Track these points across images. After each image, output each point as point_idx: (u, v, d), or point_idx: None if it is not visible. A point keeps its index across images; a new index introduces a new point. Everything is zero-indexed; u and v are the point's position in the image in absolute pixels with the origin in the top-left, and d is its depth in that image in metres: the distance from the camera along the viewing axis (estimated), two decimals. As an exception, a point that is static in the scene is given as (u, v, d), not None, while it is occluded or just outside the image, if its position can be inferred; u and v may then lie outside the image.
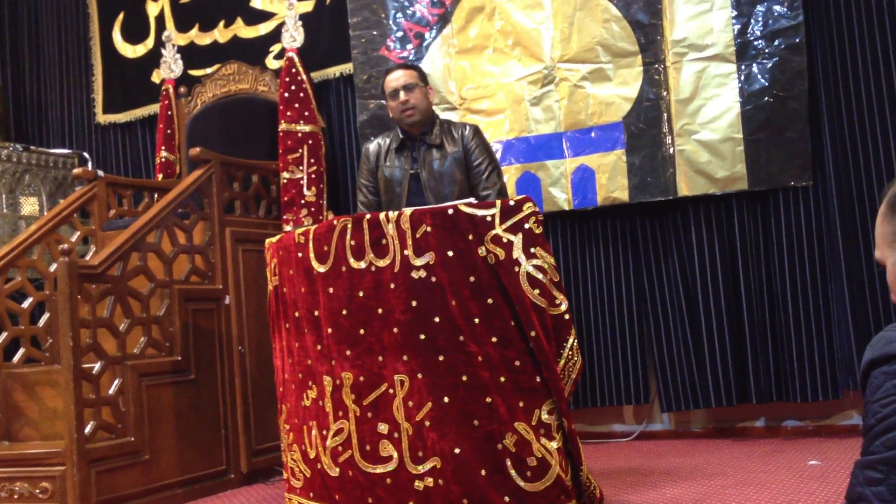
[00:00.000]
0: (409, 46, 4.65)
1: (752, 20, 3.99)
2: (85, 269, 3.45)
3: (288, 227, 4.39)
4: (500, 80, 4.46)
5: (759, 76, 3.97)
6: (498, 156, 4.23)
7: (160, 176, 5.03)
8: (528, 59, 4.40)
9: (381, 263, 2.82)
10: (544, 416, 2.73)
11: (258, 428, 4.13)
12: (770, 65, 3.96)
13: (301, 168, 4.55)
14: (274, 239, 3.28)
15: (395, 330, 2.79)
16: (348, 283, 2.88)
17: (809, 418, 4.11)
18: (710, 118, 4.04)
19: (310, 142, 4.60)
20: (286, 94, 4.64)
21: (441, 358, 2.74)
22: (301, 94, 4.65)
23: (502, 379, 2.72)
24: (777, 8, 3.95)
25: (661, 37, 4.14)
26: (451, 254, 2.75)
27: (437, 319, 2.75)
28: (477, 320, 2.73)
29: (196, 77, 5.24)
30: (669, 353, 4.19)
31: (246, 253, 4.22)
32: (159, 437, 3.67)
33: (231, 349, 4.08)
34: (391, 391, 2.80)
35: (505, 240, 2.74)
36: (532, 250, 2.75)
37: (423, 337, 2.76)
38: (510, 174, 4.36)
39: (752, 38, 3.99)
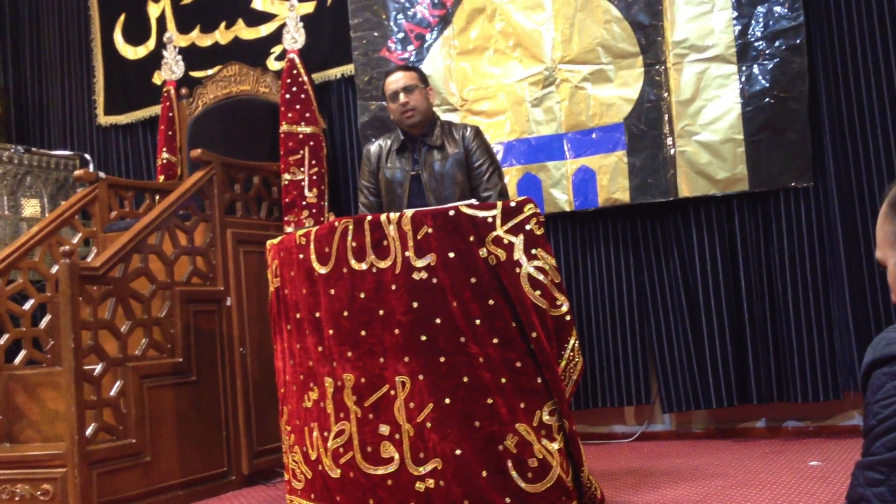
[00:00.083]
0: (410, 48, 4.65)
1: (753, 21, 3.99)
2: (86, 271, 3.45)
3: (289, 229, 4.39)
4: (500, 81, 4.46)
5: (760, 77, 3.97)
6: (499, 157, 4.24)
7: (161, 177, 5.03)
8: (528, 60, 4.40)
9: (383, 265, 2.83)
10: (545, 418, 2.73)
11: (259, 429, 4.13)
12: (771, 66, 3.96)
13: (302, 169, 4.55)
14: (275, 240, 3.29)
15: (397, 331, 2.79)
16: (349, 284, 2.88)
17: (810, 419, 4.11)
18: (711, 119, 4.04)
19: (311, 143, 4.61)
20: (287, 96, 4.65)
21: (442, 359, 2.74)
22: (302, 96, 4.65)
23: (503, 380, 2.72)
24: (778, 9, 3.95)
25: (662, 38, 4.14)
26: (452, 255, 2.75)
27: (438, 321, 2.75)
28: (478, 321, 2.73)
29: (197, 78, 5.24)
30: (670, 354, 4.19)
31: (247, 254, 4.22)
32: (160, 438, 3.67)
33: (232, 351, 4.09)
34: (392, 392, 2.80)
35: (506, 241, 2.74)
36: (533, 251, 2.75)
37: (424, 338, 2.76)
38: (511, 175, 4.37)
39: (752, 40, 3.99)
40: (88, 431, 3.35)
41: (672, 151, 4.10)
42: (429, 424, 2.74)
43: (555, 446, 2.72)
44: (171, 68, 5.22)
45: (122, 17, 5.71)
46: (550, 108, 4.34)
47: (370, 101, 4.72)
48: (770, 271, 4.05)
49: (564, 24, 4.31)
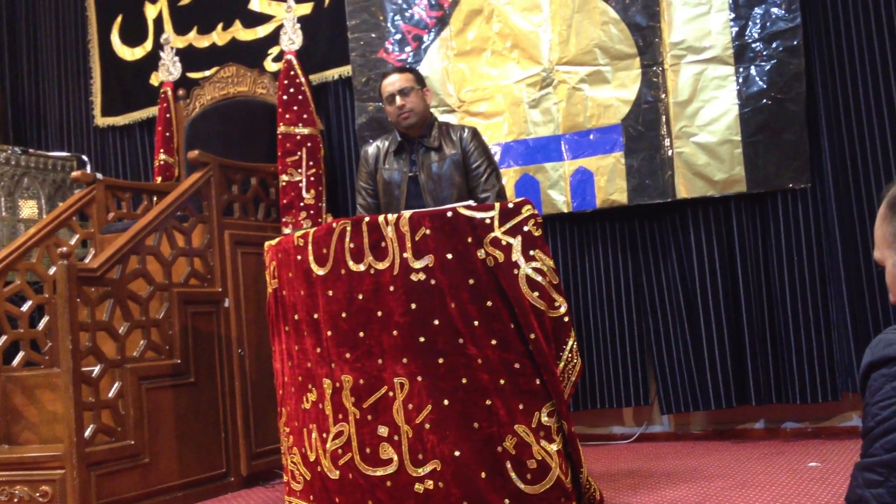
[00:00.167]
0: (408, 49, 4.65)
1: (750, 22, 4.00)
2: (84, 272, 3.45)
3: (287, 230, 4.39)
4: (498, 82, 4.46)
5: (757, 78, 3.98)
6: (497, 158, 4.23)
7: (159, 179, 5.03)
8: (526, 61, 4.40)
9: (381, 266, 2.83)
10: (544, 419, 2.73)
11: (258, 431, 4.13)
12: (768, 67, 3.96)
13: (300, 171, 4.55)
14: (273, 241, 3.29)
15: (395, 332, 2.79)
16: (347, 285, 2.88)
17: (809, 420, 4.12)
18: (709, 120, 4.05)
19: (308, 144, 4.60)
20: (285, 97, 4.64)
21: (440, 360, 2.74)
22: (300, 97, 4.65)
23: (502, 381, 2.72)
24: (775, 10, 3.96)
25: (660, 39, 4.14)
26: (450, 256, 2.75)
27: (436, 322, 2.75)
28: (476, 323, 2.73)
29: (194, 80, 5.24)
30: (669, 355, 4.19)
31: (245, 256, 4.22)
32: (159, 440, 3.67)
33: (230, 352, 4.08)
34: (391, 394, 2.80)
35: (504, 242, 2.75)
36: (531, 253, 2.76)
37: (422, 339, 2.76)
38: (509, 177, 4.37)
39: (749, 41, 4.00)
40: (87, 433, 3.35)
41: (670, 153, 4.10)
42: (427, 426, 2.74)
43: (554, 447, 2.72)
44: (169, 69, 5.21)
45: (119, 19, 5.70)
46: (548, 110, 4.35)
47: (368, 103, 4.72)
48: (768, 272, 4.05)
49: (562, 25, 4.31)
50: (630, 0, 4.19)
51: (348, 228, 2.90)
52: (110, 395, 3.51)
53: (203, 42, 5.38)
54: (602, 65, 4.24)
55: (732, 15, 4.03)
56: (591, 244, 4.37)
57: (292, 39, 4.74)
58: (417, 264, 2.78)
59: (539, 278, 2.75)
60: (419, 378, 2.76)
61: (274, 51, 5.09)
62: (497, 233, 2.75)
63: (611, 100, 4.22)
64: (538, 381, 2.74)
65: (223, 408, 4.02)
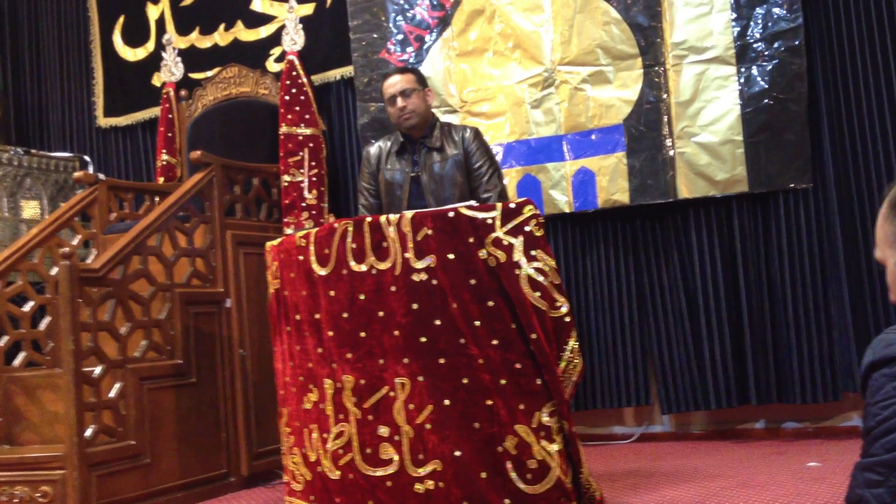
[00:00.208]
0: (410, 49, 4.65)
1: (752, 23, 4.00)
2: (86, 273, 3.45)
3: (289, 230, 4.39)
4: (500, 82, 4.47)
5: (759, 78, 3.98)
6: (498, 158, 4.24)
7: (161, 179, 5.03)
8: (528, 61, 4.40)
9: (382, 266, 2.83)
10: (545, 419, 2.73)
11: (259, 431, 4.13)
12: (770, 67, 3.96)
13: (302, 171, 4.55)
14: (275, 242, 3.28)
15: (396, 333, 2.79)
16: (349, 285, 2.88)
17: (809, 420, 4.11)
18: (710, 120, 4.05)
19: (310, 145, 4.61)
20: (287, 97, 4.65)
21: (442, 361, 2.74)
22: (302, 97, 4.65)
23: (503, 381, 2.72)
24: (776, 10, 3.95)
25: (661, 39, 4.14)
26: (451, 256, 2.75)
27: (437, 322, 2.75)
28: (478, 323, 2.73)
29: (197, 80, 5.25)
30: (670, 356, 4.19)
31: (247, 256, 4.22)
32: (160, 440, 3.67)
33: (232, 352, 4.08)
34: (392, 394, 2.80)
35: (506, 242, 2.75)
36: (533, 253, 2.76)
37: (423, 340, 2.76)
38: (511, 177, 4.37)
39: (751, 41, 4.00)
40: (88, 433, 3.35)
41: (671, 153, 4.10)
42: (428, 426, 2.74)
43: (554, 447, 2.72)
44: (171, 70, 5.22)
45: (122, 19, 5.71)
46: (550, 110, 4.35)
47: (370, 103, 4.72)
48: (769, 272, 4.05)
49: (564, 25, 4.31)
50: (632, 0, 4.19)
51: (350, 229, 2.90)
52: (111, 395, 3.51)
53: (205, 42, 5.38)
54: (604, 65, 4.24)
55: (734, 15, 4.03)
56: (592, 244, 4.37)
57: (294, 40, 4.75)
58: (419, 264, 2.78)
59: (541, 278, 2.75)
60: (420, 378, 2.76)
61: (276, 51, 5.10)
62: (499, 233, 2.75)
63: (612, 100, 4.22)
64: (539, 382, 2.74)
65: (224, 408, 4.02)
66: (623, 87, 4.21)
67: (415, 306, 2.77)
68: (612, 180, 4.19)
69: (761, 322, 4.03)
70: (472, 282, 2.74)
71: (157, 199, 4.68)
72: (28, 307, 4.02)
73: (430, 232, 2.77)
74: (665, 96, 4.13)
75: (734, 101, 4.02)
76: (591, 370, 4.32)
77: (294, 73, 4.67)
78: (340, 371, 2.90)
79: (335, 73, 4.95)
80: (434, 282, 2.76)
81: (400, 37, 4.68)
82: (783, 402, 4.03)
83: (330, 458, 2.94)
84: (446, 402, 2.73)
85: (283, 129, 4.61)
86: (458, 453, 2.70)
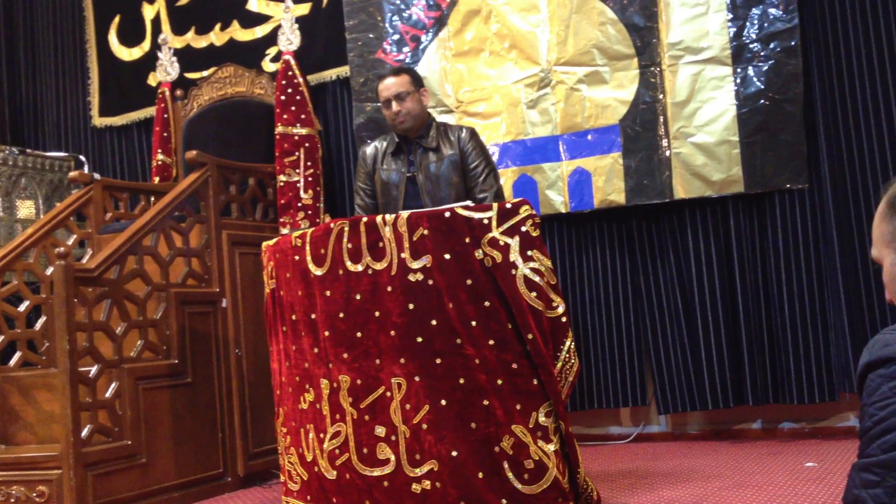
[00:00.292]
0: (406, 49, 4.65)
1: (748, 23, 4.00)
2: (81, 273, 3.44)
3: (285, 230, 4.39)
4: (496, 82, 4.46)
5: (755, 79, 3.98)
6: (495, 159, 4.23)
7: (156, 179, 5.02)
8: (524, 61, 4.40)
9: (378, 266, 2.83)
10: (541, 419, 2.73)
11: (255, 431, 4.12)
12: (766, 68, 3.96)
13: (298, 171, 4.55)
14: (271, 242, 3.28)
15: (392, 333, 2.79)
16: (345, 286, 2.88)
17: (806, 420, 4.12)
18: (706, 121, 4.05)
19: (306, 145, 4.60)
20: (283, 97, 4.64)
21: (438, 361, 2.74)
22: (297, 97, 4.65)
23: (499, 381, 2.72)
24: (772, 11, 3.96)
25: (657, 40, 4.15)
26: (447, 257, 2.75)
27: (434, 322, 2.75)
28: (474, 323, 2.73)
29: (192, 80, 5.24)
30: (666, 356, 4.19)
31: (243, 256, 4.22)
32: (156, 440, 3.67)
33: (228, 352, 4.08)
34: (388, 394, 2.80)
35: (502, 242, 2.74)
36: (529, 253, 2.76)
37: (420, 340, 2.76)
38: (507, 177, 4.37)
39: (747, 41, 4.00)
40: (84, 433, 3.35)
41: (667, 153, 4.10)
42: (425, 426, 2.74)
43: (551, 448, 2.72)
44: (166, 70, 5.21)
45: (117, 19, 5.70)
46: (546, 110, 4.35)
47: (365, 103, 4.72)
48: (765, 272, 4.05)
49: (560, 25, 4.31)
50: (628, 0, 4.19)
51: (346, 229, 2.89)
52: (107, 395, 3.51)
53: (201, 42, 5.37)
54: (600, 65, 4.24)
55: (730, 15, 4.03)
56: (588, 244, 4.38)
57: (290, 40, 4.74)
58: (415, 264, 2.78)
59: (537, 278, 2.75)
60: (417, 378, 2.76)
61: (272, 51, 5.09)
62: (495, 233, 2.75)
63: (609, 100, 4.22)
64: (536, 382, 2.74)
65: (220, 408, 4.02)
66: (619, 87, 4.21)
67: (411, 306, 2.77)
68: (609, 180, 4.20)
69: (758, 322, 4.03)
70: (469, 282, 2.74)
71: (152, 198, 4.67)
72: (23, 307, 4.02)
73: (426, 232, 2.77)
74: (661, 97, 4.13)
75: (730, 102, 4.02)
76: (588, 370, 4.32)
77: (290, 73, 4.67)
78: (337, 371, 2.89)
79: (331, 73, 4.94)
80: (430, 282, 2.76)
81: (396, 37, 4.67)
82: (780, 402, 4.03)
83: (326, 458, 2.94)
84: (443, 402, 2.73)
85: (279, 128, 4.60)
86: (454, 453, 2.70)
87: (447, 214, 2.78)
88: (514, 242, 2.75)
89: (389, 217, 2.83)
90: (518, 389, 2.73)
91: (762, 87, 3.96)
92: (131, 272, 3.70)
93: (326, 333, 2.92)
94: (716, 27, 4.05)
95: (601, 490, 3.03)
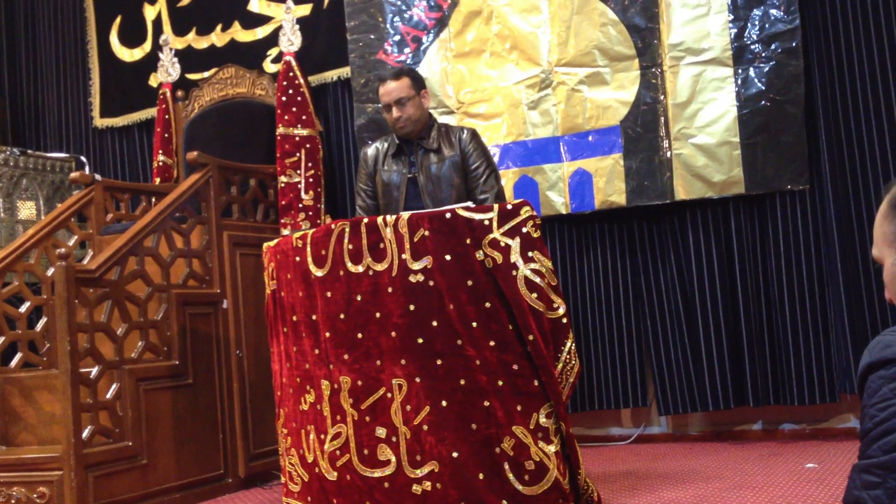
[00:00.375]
0: (407, 50, 4.65)
1: (749, 24, 4.00)
2: (82, 274, 3.44)
3: (286, 231, 4.39)
4: (497, 83, 4.46)
5: (756, 80, 3.98)
6: (495, 160, 4.23)
7: (158, 180, 5.02)
8: (525, 62, 4.40)
9: (379, 267, 2.83)
10: (542, 420, 2.73)
11: (256, 432, 4.12)
12: (767, 69, 3.96)
13: (299, 172, 4.55)
14: (272, 243, 3.28)
15: (393, 334, 2.79)
16: (346, 287, 2.88)
17: (806, 421, 4.12)
18: (707, 122, 4.05)
19: (307, 145, 4.60)
20: (284, 98, 4.64)
21: (439, 362, 2.74)
22: (298, 98, 4.65)
23: (500, 383, 2.72)
24: (773, 12, 3.96)
25: (659, 41, 4.15)
26: (448, 258, 2.75)
27: (434, 323, 2.75)
28: (475, 324, 2.73)
29: (193, 81, 5.24)
30: (667, 357, 4.19)
31: (244, 257, 4.22)
32: (157, 441, 3.67)
33: (229, 353, 4.08)
34: (389, 395, 2.80)
35: (503, 244, 2.75)
36: (530, 254, 2.76)
37: (420, 341, 2.76)
38: (508, 178, 4.37)
39: (748, 42, 4.00)
40: (85, 434, 3.35)
41: (668, 154, 4.10)
42: (425, 427, 2.74)
43: (551, 449, 2.72)
44: (168, 70, 5.21)
45: (119, 20, 5.70)
46: (547, 111, 4.35)
47: (367, 104, 4.72)
48: (766, 274, 4.05)
49: (561, 26, 4.31)
50: (629, 1, 4.19)
51: (347, 230, 2.90)
52: (108, 396, 3.51)
53: (202, 43, 5.38)
54: (601, 66, 4.24)
55: (731, 16, 4.03)
56: (589, 246, 4.38)
57: (291, 41, 4.74)
58: (416, 265, 2.78)
59: (537, 279, 2.75)
60: (417, 379, 2.76)
61: (273, 52, 5.09)
62: (496, 234, 2.75)
63: (610, 101, 4.22)
64: (536, 383, 2.74)
65: (221, 409, 4.02)
66: (620, 88, 4.21)
67: (412, 307, 2.77)
68: (609, 182, 4.20)
69: (758, 323, 4.03)
70: (469, 283, 2.74)
71: (153, 199, 4.67)
72: (24, 308, 4.02)
73: (426, 233, 2.77)
74: (662, 98, 4.13)
75: (731, 103, 4.02)
76: (589, 371, 4.32)
77: (291, 74, 4.67)
78: (337, 372, 2.90)
79: (332, 74, 4.95)
80: (431, 283, 2.76)
81: (397, 38, 4.68)
82: (780, 403, 4.03)
83: (327, 459, 2.94)
84: (443, 403, 2.73)
85: (280, 129, 4.61)
86: (455, 454, 2.70)
87: (448, 215, 2.78)
88: (514, 243, 2.75)
89: (390, 218, 2.83)
90: (519, 390, 2.73)
91: (763, 88, 3.96)
92: (132, 273, 3.70)
93: (327, 334, 2.92)
94: (717, 28, 4.05)
95: (602, 491, 3.03)
